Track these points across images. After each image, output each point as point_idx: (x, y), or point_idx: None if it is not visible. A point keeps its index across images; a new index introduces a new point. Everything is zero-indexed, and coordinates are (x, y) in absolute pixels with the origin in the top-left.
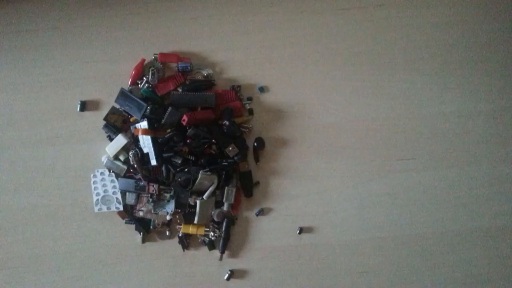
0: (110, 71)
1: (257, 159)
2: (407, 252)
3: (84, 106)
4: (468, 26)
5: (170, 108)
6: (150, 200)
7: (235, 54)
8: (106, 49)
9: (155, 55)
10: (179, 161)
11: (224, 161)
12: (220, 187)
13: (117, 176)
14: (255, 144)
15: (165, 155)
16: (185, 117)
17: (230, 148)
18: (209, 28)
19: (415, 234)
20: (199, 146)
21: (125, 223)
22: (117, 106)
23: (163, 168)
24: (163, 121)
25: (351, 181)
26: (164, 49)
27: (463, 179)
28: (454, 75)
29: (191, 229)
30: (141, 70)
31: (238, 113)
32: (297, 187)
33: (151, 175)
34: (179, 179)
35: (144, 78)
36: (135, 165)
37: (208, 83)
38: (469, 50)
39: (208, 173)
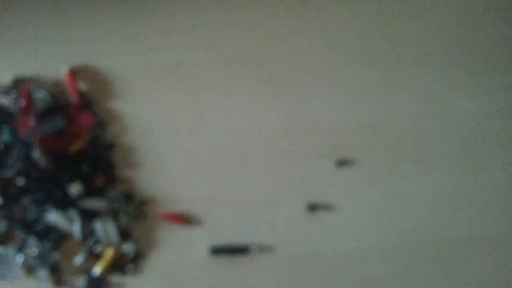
0: None
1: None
2: (417, 260)
3: None
4: (483, 19)
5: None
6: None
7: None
8: None
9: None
10: None
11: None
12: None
13: None
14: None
15: None
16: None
17: (74, 187)
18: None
19: (425, 241)
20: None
21: None
22: None
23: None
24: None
25: (358, 186)
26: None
27: (477, 183)
28: (468, 71)
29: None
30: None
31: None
32: (301, 193)
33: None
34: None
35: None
36: None
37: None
38: (484, 43)
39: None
